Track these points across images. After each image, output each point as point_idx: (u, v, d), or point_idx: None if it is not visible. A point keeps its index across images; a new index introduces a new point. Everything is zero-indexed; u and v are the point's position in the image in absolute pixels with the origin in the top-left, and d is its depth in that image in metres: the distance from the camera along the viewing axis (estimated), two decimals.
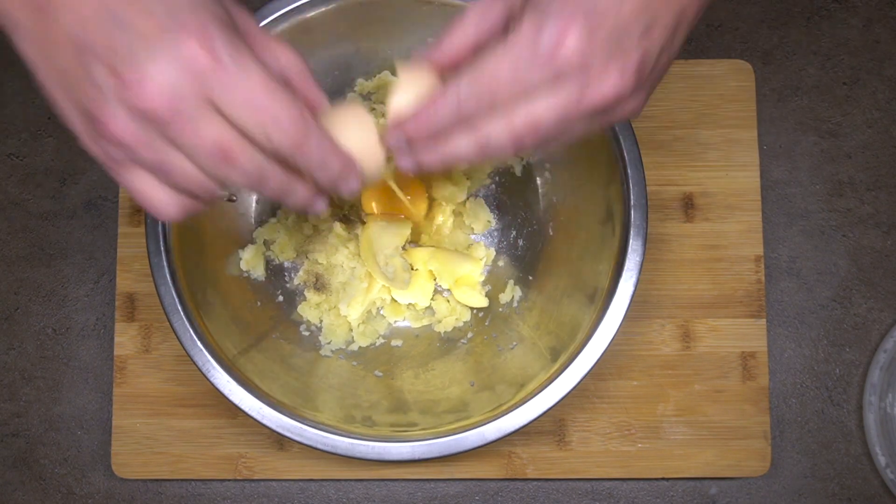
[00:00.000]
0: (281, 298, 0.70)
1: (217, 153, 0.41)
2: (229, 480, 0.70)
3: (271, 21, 0.62)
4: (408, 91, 0.48)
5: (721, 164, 0.72)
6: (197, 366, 0.60)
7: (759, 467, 0.69)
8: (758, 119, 0.73)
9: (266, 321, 0.68)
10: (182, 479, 0.71)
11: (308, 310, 0.70)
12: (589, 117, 0.43)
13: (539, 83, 0.42)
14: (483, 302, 0.70)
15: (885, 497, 0.71)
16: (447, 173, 0.70)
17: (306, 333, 0.70)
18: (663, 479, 0.71)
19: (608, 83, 0.42)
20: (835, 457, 0.71)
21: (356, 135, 0.48)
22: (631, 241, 0.60)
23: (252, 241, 0.70)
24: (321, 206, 0.47)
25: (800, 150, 0.74)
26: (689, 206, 0.72)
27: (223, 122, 0.40)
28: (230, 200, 0.68)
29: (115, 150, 0.41)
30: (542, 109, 0.43)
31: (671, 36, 0.43)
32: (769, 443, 0.69)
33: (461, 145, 0.45)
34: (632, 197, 0.61)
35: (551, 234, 0.70)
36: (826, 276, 0.73)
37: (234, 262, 0.69)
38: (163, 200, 0.43)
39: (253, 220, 0.71)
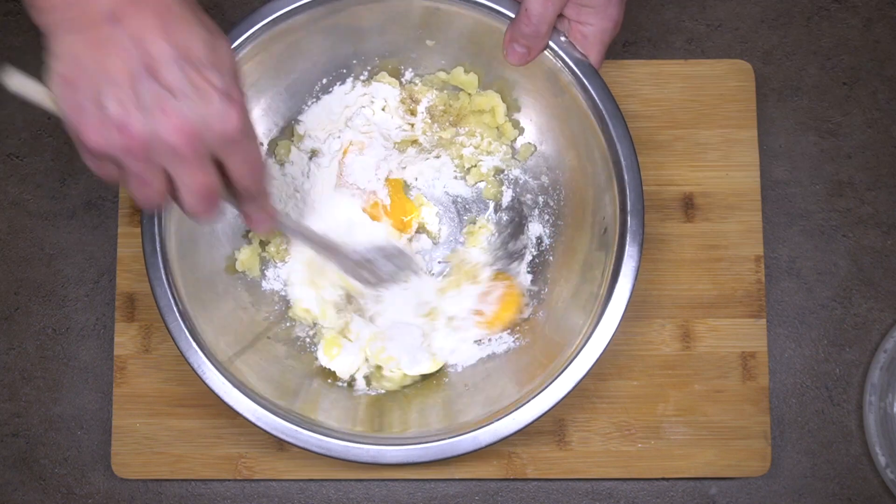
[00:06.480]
0: (276, 300, 0.70)
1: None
2: (229, 480, 0.70)
3: (268, 23, 0.62)
4: None
5: (721, 164, 0.72)
6: (192, 367, 0.60)
7: (759, 467, 0.69)
8: (758, 119, 0.73)
9: (261, 322, 0.68)
10: (182, 480, 0.71)
11: (302, 312, 0.69)
12: None
13: None
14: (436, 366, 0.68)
15: (885, 497, 0.71)
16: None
17: (301, 335, 0.70)
18: (663, 479, 0.70)
19: None
20: (835, 457, 0.71)
21: None
22: (627, 247, 0.60)
23: (248, 242, 0.70)
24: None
25: (800, 150, 0.74)
26: (689, 206, 0.72)
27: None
28: None
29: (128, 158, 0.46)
30: None
31: None
32: (769, 443, 0.69)
33: None
34: (629, 203, 0.60)
35: (547, 241, 0.70)
36: (826, 276, 0.73)
37: (230, 262, 0.69)
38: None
39: None
